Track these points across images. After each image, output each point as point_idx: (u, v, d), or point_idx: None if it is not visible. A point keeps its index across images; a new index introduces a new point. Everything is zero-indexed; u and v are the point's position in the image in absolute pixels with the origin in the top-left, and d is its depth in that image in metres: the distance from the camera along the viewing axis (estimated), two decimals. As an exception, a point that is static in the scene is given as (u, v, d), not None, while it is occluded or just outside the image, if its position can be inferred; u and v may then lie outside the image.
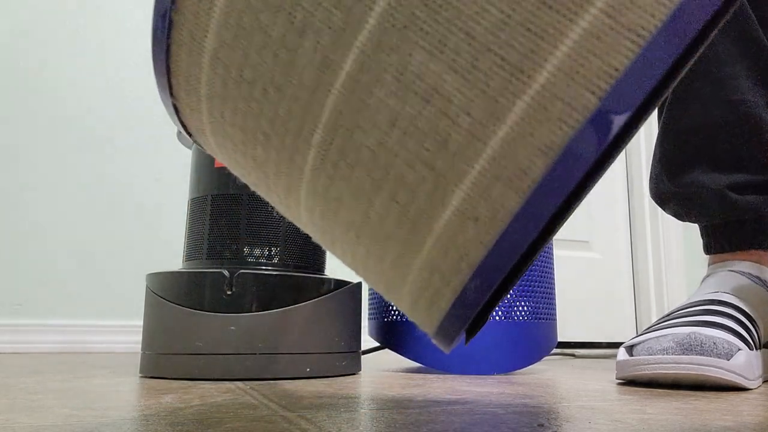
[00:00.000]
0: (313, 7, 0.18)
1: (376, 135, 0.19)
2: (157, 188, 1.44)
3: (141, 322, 0.65)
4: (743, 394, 0.48)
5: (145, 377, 0.62)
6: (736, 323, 0.54)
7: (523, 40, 0.16)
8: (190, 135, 0.27)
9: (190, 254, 0.68)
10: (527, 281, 0.73)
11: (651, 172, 0.72)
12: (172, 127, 1.47)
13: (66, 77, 1.43)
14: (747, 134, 0.63)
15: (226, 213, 0.66)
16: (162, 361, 0.61)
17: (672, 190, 0.68)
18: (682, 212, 0.69)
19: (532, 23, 0.16)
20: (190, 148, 0.74)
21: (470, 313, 0.19)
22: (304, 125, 0.20)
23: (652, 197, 0.72)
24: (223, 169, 0.67)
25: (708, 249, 0.69)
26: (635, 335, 0.58)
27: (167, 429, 0.30)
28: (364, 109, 0.19)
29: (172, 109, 0.26)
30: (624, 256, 2.01)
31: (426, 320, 0.21)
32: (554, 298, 0.78)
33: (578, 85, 0.16)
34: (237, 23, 0.20)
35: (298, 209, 0.23)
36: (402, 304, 0.22)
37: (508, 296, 0.71)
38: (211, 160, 0.68)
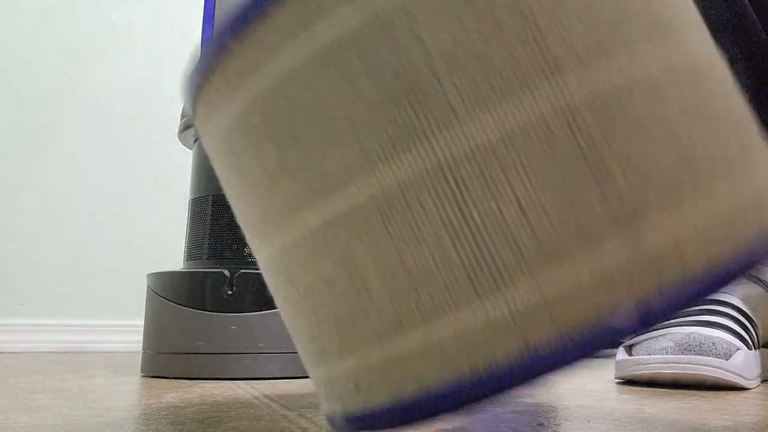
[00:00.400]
0: (304, 156, 0.20)
1: (306, 282, 0.21)
2: (158, 188, 1.44)
3: (141, 322, 0.66)
4: (742, 394, 0.48)
5: (146, 377, 0.62)
6: (735, 323, 0.54)
7: (434, 292, 0.19)
8: None
9: (191, 254, 0.68)
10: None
11: None
12: (173, 126, 1.47)
13: (65, 78, 1.43)
14: None
15: (226, 213, 0.66)
16: (163, 360, 0.61)
17: None
18: None
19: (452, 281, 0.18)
20: (190, 148, 0.75)
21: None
22: (264, 233, 0.23)
23: None
24: (223, 169, 0.67)
25: None
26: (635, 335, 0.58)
27: (168, 428, 0.30)
28: (306, 256, 0.21)
29: None
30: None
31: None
32: (554, 298, 0.78)
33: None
34: (246, 132, 0.22)
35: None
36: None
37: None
38: (212, 160, 0.68)
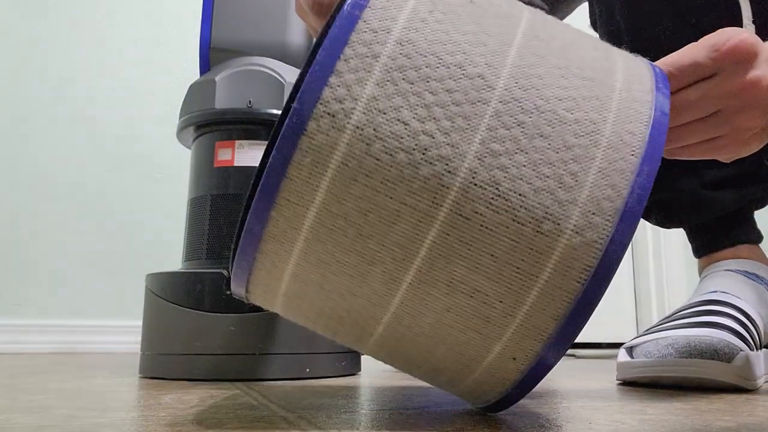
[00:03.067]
0: (378, 247, 0.27)
1: (434, 317, 0.28)
2: (157, 188, 1.44)
3: (140, 323, 0.65)
4: (744, 395, 0.48)
5: (145, 378, 0.61)
6: (737, 323, 0.53)
7: (526, 258, 0.27)
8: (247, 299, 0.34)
9: (190, 254, 0.68)
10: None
11: None
12: (172, 126, 1.47)
13: (67, 78, 1.42)
14: None
15: (225, 213, 0.66)
16: (161, 361, 0.61)
17: (650, 198, 0.68)
18: (663, 219, 0.69)
19: (529, 247, 0.27)
20: (189, 147, 0.74)
21: (510, 405, 0.32)
22: (371, 318, 0.29)
23: None
24: (222, 168, 0.67)
25: (697, 252, 0.68)
26: (636, 335, 0.58)
27: (166, 430, 0.30)
28: (423, 304, 0.28)
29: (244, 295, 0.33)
30: (625, 256, 2.01)
31: (474, 403, 0.34)
32: (554, 299, 0.78)
33: (569, 278, 0.27)
34: (317, 258, 0.28)
35: (365, 346, 0.33)
36: (453, 392, 0.34)
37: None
38: (211, 159, 0.68)
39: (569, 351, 1.51)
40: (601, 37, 0.71)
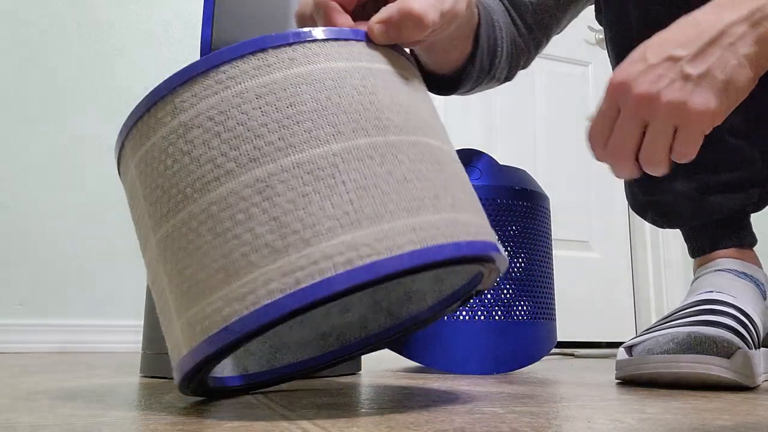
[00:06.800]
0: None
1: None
2: (157, 188, 1.44)
3: (141, 322, 0.66)
4: (743, 394, 0.48)
5: (146, 377, 0.62)
6: (735, 321, 0.54)
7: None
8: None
9: (190, 254, 0.68)
10: (527, 281, 0.73)
11: (625, 186, 0.73)
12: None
13: (65, 77, 1.43)
14: (707, 140, 0.64)
15: (226, 213, 0.66)
16: (162, 360, 0.61)
17: (646, 199, 0.69)
18: (660, 220, 0.70)
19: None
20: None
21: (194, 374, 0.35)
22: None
23: (631, 209, 0.73)
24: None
25: (692, 253, 0.70)
26: (635, 335, 0.58)
27: (167, 429, 0.30)
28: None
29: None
30: (623, 255, 2.01)
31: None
32: (554, 298, 0.78)
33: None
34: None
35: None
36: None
37: (508, 296, 0.71)
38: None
39: (569, 350, 1.51)
40: (605, 29, 0.71)
